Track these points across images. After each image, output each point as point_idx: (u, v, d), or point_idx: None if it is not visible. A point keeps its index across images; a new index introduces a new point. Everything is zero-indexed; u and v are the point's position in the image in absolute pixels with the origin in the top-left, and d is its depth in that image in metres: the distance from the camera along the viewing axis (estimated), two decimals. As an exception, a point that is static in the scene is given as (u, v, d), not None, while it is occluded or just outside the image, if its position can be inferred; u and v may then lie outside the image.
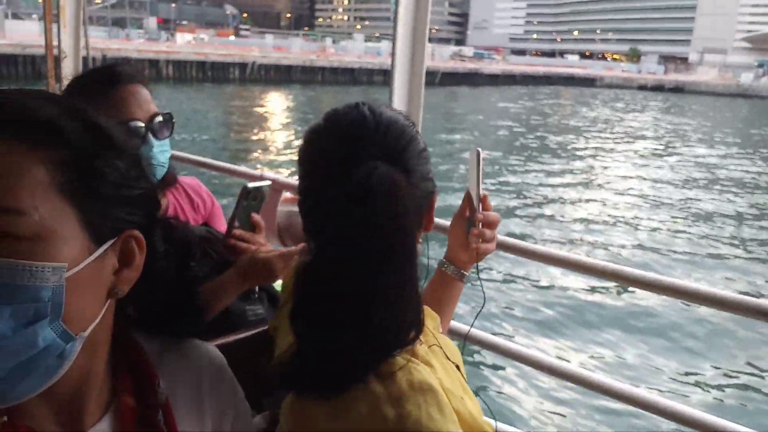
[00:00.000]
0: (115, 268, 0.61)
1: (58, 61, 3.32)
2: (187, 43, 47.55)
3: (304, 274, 0.76)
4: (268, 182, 1.36)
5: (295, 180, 2.11)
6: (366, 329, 0.72)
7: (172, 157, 1.43)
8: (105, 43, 34.66)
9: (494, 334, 2.11)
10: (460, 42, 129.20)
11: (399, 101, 1.68)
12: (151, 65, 32.83)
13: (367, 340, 0.72)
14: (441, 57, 63.92)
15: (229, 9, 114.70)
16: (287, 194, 2.03)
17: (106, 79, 1.31)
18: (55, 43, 3.17)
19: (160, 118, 1.34)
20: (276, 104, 28.21)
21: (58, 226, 0.54)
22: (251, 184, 1.29)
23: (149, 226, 0.65)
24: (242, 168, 2.53)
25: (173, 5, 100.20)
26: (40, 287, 0.53)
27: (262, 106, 26.88)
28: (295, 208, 0.86)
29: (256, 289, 1.42)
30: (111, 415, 0.67)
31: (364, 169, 0.73)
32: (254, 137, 17.97)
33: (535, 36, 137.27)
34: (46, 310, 0.54)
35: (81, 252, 0.56)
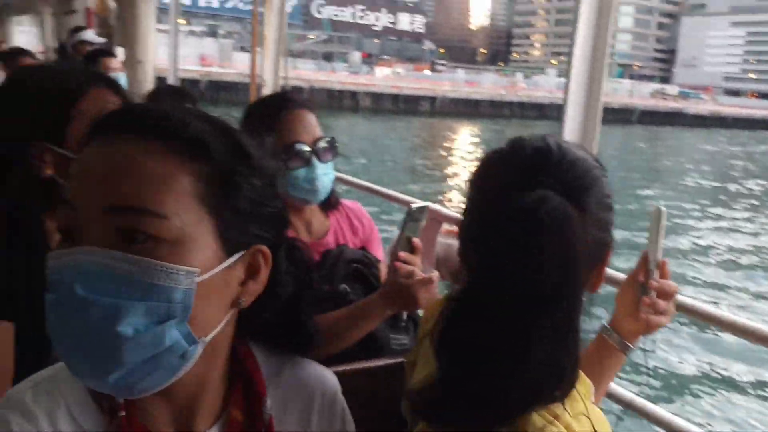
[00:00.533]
0: (241, 280, 0.64)
1: (260, 88, 3.70)
2: (385, 77, 50.33)
3: (457, 302, 0.72)
4: (428, 203, 1.38)
5: (455, 212, 2.07)
6: (523, 368, 0.66)
7: (337, 180, 1.49)
8: (313, 74, 38.48)
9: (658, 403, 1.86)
10: (665, 80, 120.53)
11: (570, 137, 1.57)
12: (351, 96, 36.10)
13: (522, 381, 0.67)
14: (640, 94, 60.25)
15: (427, 45, 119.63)
16: (447, 226, 2.00)
17: (277, 104, 1.42)
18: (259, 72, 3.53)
19: (324, 143, 1.40)
20: (461, 137, 28.62)
21: (196, 234, 0.58)
22: (415, 205, 1.30)
23: (276, 244, 0.67)
24: (404, 196, 2.57)
25: (377, 41, 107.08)
26: (173, 288, 0.55)
27: (447, 138, 27.42)
28: (454, 241, 0.82)
29: (404, 317, 1.41)
30: (219, 426, 0.68)
31: (536, 195, 0.68)
32: (434, 168, 18.35)
33: (752, 75, 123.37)
34: (176, 311, 0.56)
35: (213, 260, 0.59)
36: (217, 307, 0.62)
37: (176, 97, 2.41)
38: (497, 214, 0.69)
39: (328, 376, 0.79)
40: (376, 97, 37.80)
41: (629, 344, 1.01)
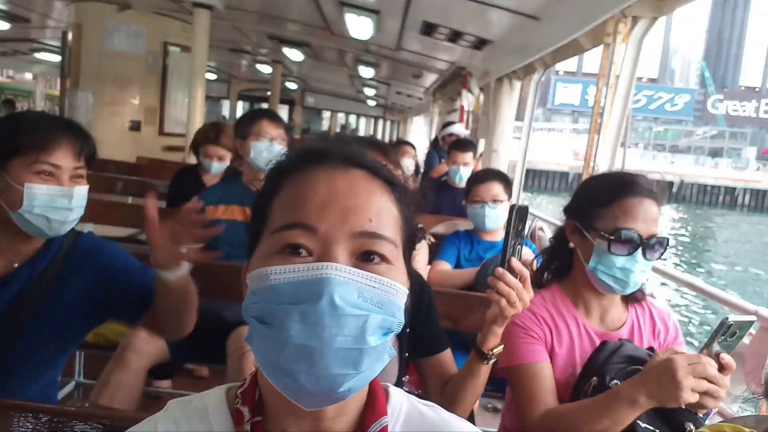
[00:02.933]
0: None
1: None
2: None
3: None
4: (753, 318, 1.18)
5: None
6: None
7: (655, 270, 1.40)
8: (690, 169, 36.52)
9: None
10: None
11: None
12: (726, 192, 34.55)
13: None
14: None
15: None
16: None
17: (622, 183, 1.37)
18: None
19: (656, 240, 1.33)
20: None
21: (400, 261, 0.66)
22: (733, 317, 1.12)
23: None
24: (732, 296, 2.22)
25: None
26: (397, 304, 0.63)
27: None
28: None
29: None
30: None
31: None
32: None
33: None
34: (395, 324, 0.62)
35: (406, 284, 0.66)
36: None
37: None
38: None
39: None
40: (758, 194, 34.90)
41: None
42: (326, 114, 21.08)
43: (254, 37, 8.06)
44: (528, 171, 5.90)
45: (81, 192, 1.36)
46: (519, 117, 5.66)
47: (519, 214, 1.07)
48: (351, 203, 0.63)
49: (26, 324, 1.33)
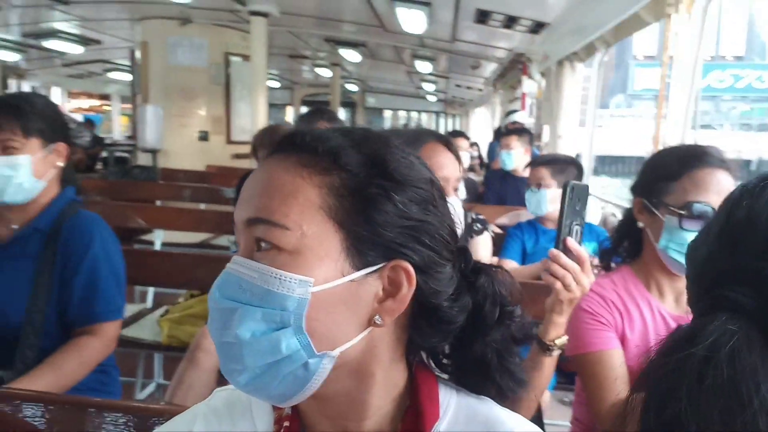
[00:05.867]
0: (379, 297, 0.61)
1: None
2: None
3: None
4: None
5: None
6: None
7: None
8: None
9: None
10: None
11: None
12: None
13: None
14: None
15: None
16: None
17: (693, 155, 1.29)
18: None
19: None
20: None
21: (317, 245, 0.58)
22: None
23: (434, 264, 0.62)
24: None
25: None
26: (286, 296, 0.56)
27: None
28: None
29: None
30: None
31: None
32: None
33: None
34: (290, 319, 0.57)
35: (335, 273, 0.58)
36: (344, 322, 0.59)
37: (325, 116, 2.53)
38: None
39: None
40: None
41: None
42: (387, 113, 21.17)
43: (311, 41, 8.18)
44: (605, 157, 5.70)
45: (3, 162, 1.40)
46: (602, 105, 5.49)
47: (575, 193, 0.99)
48: (250, 192, 0.61)
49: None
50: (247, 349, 0.57)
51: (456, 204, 1.27)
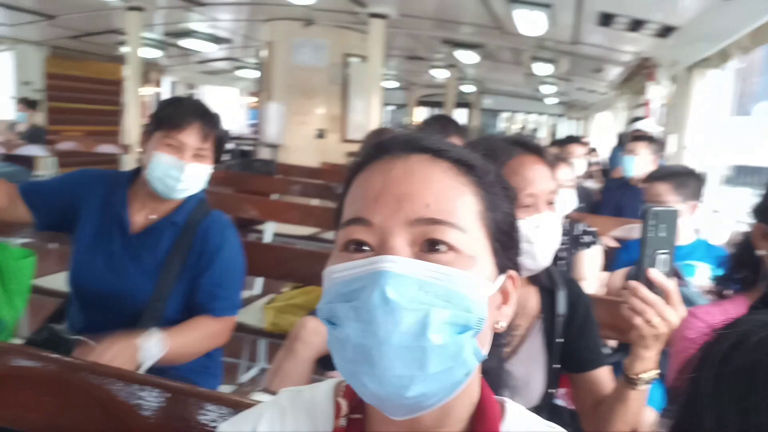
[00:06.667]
0: (498, 303, 0.63)
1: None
2: None
3: None
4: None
5: None
6: None
7: None
8: None
9: None
10: None
11: None
12: None
13: None
14: None
15: None
16: None
17: None
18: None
19: None
20: None
21: (481, 250, 0.59)
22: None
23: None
24: None
25: None
26: (472, 298, 0.56)
27: None
28: None
29: None
30: None
31: None
32: None
33: None
34: (472, 322, 0.55)
35: (491, 277, 0.60)
36: (489, 327, 0.61)
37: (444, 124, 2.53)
38: None
39: None
40: None
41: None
42: (504, 115, 20.78)
43: (428, 42, 8.21)
44: (744, 167, 5.28)
45: (194, 169, 1.54)
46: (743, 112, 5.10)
47: (658, 218, 0.93)
48: (405, 189, 0.58)
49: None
50: (438, 354, 0.53)
51: (551, 219, 1.22)
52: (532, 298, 1.30)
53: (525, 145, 1.25)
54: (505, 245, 0.63)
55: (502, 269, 0.63)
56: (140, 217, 1.60)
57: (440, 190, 0.59)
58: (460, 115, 16.01)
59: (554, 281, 1.29)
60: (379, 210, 0.58)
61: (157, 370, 1.49)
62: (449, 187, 0.59)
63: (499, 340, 0.67)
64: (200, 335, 1.55)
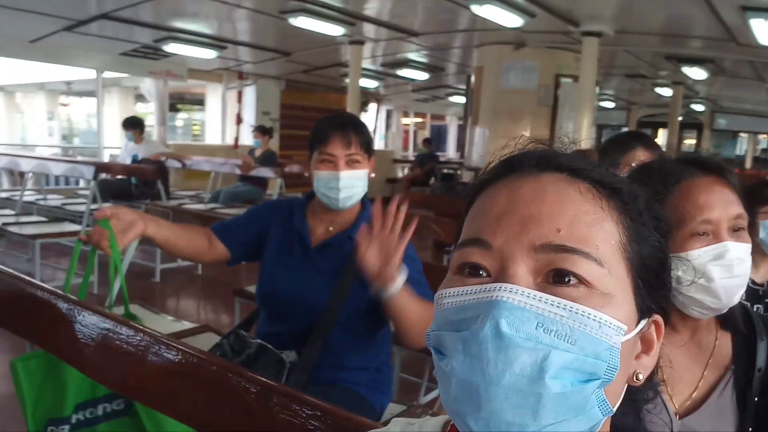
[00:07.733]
0: (637, 352, 0.54)
1: None
2: None
3: None
4: None
5: None
6: None
7: None
8: None
9: None
10: None
11: None
12: None
13: None
14: None
15: None
16: None
17: None
18: None
19: None
20: None
21: (620, 287, 0.50)
22: None
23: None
24: None
25: None
26: (603, 342, 0.47)
27: None
28: None
29: None
30: None
31: None
32: None
33: None
34: (601, 370, 0.47)
35: (629, 321, 0.50)
36: (621, 379, 0.51)
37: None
38: None
39: None
40: None
41: None
42: (743, 136, 18.38)
43: (650, 59, 7.65)
44: None
45: (348, 175, 1.62)
46: None
47: None
48: (533, 211, 0.50)
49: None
50: (555, 403, 0.46)
51: (737, 249, 1.04)
52: (725, 346, 1.12)
53: (702, 164, 1.06)
54: (651, 285, 0.53)
55: (644, 313, 0.53)
56: (320, 230, 1.71)
57: (575, 214, 0.50)
58: (689, 136, 14.57)
59: (754, 328, 1.10)
60: (500, 231, 0.51)
61: (329, 380, 1.59)
62: (586, 212, 0.51)
63: (636, 394, 0.57)
64: (422, 309, 1.47)
